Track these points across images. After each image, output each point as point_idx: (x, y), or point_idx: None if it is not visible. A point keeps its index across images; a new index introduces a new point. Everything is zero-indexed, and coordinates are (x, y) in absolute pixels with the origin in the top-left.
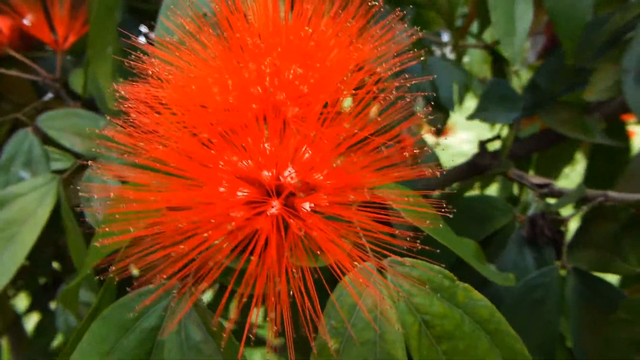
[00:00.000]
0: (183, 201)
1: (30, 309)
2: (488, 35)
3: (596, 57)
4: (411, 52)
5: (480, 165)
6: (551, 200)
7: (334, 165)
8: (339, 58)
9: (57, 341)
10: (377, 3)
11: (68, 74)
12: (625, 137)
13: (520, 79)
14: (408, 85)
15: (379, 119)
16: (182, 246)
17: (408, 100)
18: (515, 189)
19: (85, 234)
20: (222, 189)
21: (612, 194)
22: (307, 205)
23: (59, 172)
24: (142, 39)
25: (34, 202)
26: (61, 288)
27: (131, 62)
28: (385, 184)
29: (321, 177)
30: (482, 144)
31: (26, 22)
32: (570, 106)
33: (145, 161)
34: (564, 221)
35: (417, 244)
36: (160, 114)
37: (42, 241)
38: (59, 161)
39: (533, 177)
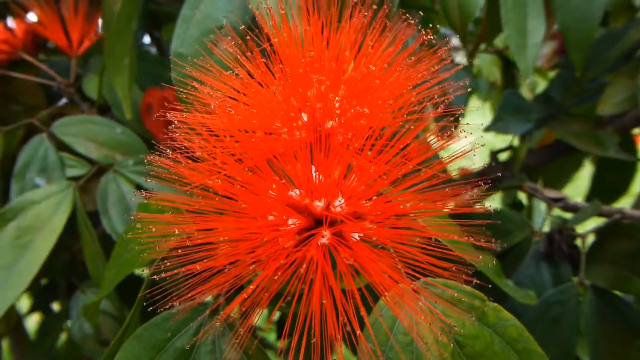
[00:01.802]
0: (232, 230)
1: (31, 310)
2: (499, 39)
3: (610, 70)
4: (459, 82)
5: (491, 177)
6: (563, 213)
7: (383, 194)
8: (390, 88)
9: (60, 342)
10: (429, 35)
11: (82, 79)
12: (634, 150)
13: (532, 84)
14: (458, 115)
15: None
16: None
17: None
18: (520, 196)
19: (100, 240)
20: (271, 218)
21: (628, 211)
22: (356, 235)
23: (74, 178)
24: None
25: (49, 209)
26: (75, 295)
27: (180, 90)
28: (435, 216)
29: (369, 206)
30: (494, 155)
31: (40, 26)
32: (582, 119)
33: (194, 189)
34: (581, 237)
35: (473, 280)
36: (208, 141)
37: (58, 248)
38: (74, 168)
39: (547, 191)
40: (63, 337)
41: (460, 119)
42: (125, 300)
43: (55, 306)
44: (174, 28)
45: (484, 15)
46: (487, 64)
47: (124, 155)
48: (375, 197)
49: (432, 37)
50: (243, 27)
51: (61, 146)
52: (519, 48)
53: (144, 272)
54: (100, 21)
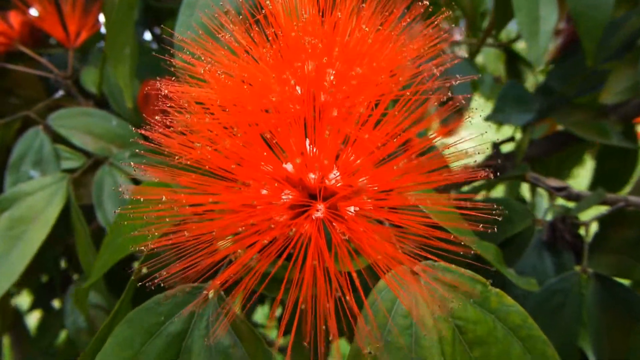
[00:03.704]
0: (225, 204)
1: (32, 307)
2: (503, 34)
3: (612, 59)
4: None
5: (493, 167)
6: (566, 203)
7: (378, 167)
8: (387, 58)
9: (60, 339)
10: (426, 2)
11: (79, 71)
12: (634, 139)
13: (536, 77)
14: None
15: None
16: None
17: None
18: (524, 190)
19: (96, 233)
20: (264, 192)
21: (632, 198)
22: (352, 209)
23: (69, 171)
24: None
25: (42, 200)
26: (70, 288)
27: (169, 60)
28: (428, 189)
29: (365, 180)
30: (496, 146)
31: (37, 18)
32: (585, 108)
33: (186, 162)
34: (585, 225)
35: (470, 250)
36: (201, 115)
37: (50, 240)
38: (69, 160)
39: (550, 180)
40: (63, 334)
41: (452, 89)
42: (117, 293)
43: (56, 304)
44: (174, 23)
45: (491, 8)
46: (492, 60)
47: (120, 147)
48: (370, 170)
49: (428, 5)
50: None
51: (57, 138)
52: (531, 35)
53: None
54: (98, 13)
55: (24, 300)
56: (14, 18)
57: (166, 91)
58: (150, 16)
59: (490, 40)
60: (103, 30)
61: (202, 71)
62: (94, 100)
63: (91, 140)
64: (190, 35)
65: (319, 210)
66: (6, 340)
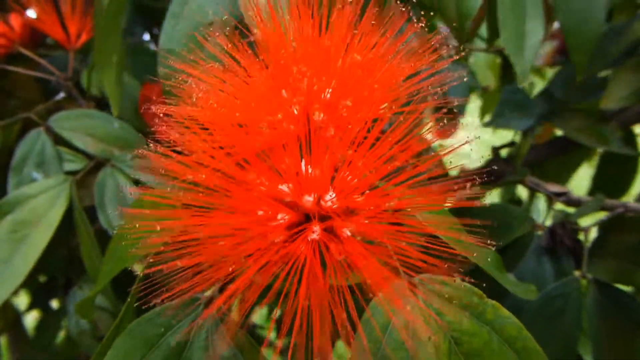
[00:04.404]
0: (220, 225)
1: (30, 307)
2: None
3: (613, 65)
4: (454, 72)
5: (493, 172)
6: (564, 208)
7: (375, 188)
8: (381, 79)
9: (59, 340)
10: (421, 23)
11: (80, 73)
12: (634, 145)
13: (530, 85)
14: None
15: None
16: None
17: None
18: (520, 194)
19: (97, 235)
20: (260, 213)
21: (632, 204)
22: (348, 230)
23: (71, 173)
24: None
25: (46, 203)
26: (73, 290)
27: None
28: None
29: (361, 201)
30: (496, 150)
31: (37, 19)
32: (585, 114)
33: (181, 183)
34: (584, 231)
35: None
36: (196, 134)
37: (53, 242)
38: (71, 162)
39: (550, 185)
40: (61, 334)
41: (456, 110)
42: (121, 296)
43: (54, 303)
44: None
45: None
46: (481, 68)
47: (121, 149)
48: (367, 191)
49: (424, 26)
50: (227, 18)
51: (59, 140)
52: (516, 50)
53: (135, 267)
54: None
55: (21, 300)
56: (15, 20)
57: (160, 113)
58: (149, 16)
59: (482, 44)
60: None
61: (198, 98)
62: (95, 102)
63: (92, 142)
64: (180, 54)
65: (315, 232)
66: (3, 341)
